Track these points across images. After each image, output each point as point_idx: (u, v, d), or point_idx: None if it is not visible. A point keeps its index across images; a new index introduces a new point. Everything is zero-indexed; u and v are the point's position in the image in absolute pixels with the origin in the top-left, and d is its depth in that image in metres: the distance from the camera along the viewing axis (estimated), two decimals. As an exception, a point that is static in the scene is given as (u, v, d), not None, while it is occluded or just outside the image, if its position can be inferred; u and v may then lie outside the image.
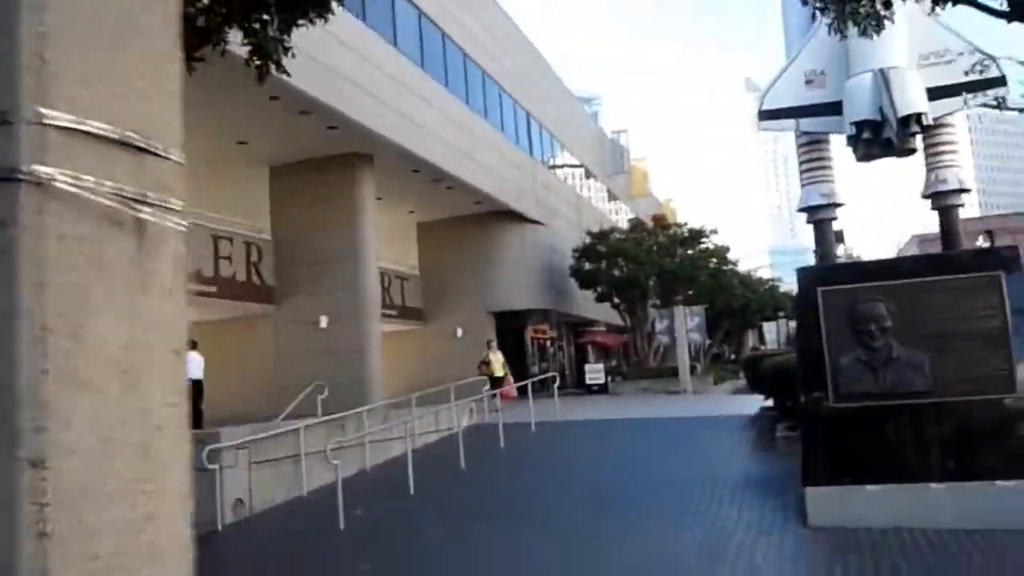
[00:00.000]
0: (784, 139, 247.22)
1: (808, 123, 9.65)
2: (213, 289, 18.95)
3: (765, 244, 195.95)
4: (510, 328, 28.53)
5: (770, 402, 13.89)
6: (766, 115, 9.89)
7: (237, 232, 20.10)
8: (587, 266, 29.57)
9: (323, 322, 20.41)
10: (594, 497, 9.08)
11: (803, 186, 10.17)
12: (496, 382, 19.00)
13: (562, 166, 34.50)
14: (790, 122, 9.79)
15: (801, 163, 10.12)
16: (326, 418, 11.56)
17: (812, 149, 10.11)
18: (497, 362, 19.92)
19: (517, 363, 27.77)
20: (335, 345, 20.32)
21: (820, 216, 9.96)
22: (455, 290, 28.27)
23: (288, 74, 8.12)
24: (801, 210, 10.16)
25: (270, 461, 10.04)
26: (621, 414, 17.96)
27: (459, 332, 27.97)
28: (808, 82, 9.60)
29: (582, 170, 37.65)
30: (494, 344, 21.27)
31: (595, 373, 28.92)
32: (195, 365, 14.88)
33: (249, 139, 19.21)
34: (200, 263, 18.68)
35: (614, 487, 9.52)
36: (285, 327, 20.88)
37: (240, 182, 21.55)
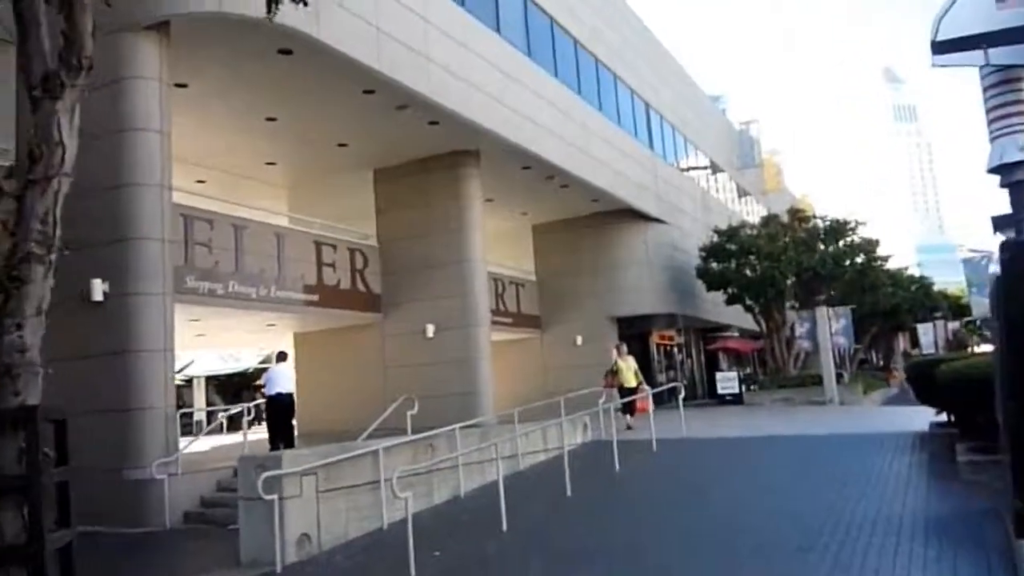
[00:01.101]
0: (927, 130, 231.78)
1: (1001, 54, 7.49)
2: (316, 298, 18.11)
3: (911, 242, 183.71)
4: (634, 335, 26.62)
5: (943, 416, 11.50)
6: (943, 47, 7.78)
7: (341, 238, 19.26)
8: (715, 266, 27.22)
9: (430, 331, 19.29)
10: (728, 543, 7.22)
11: (994, 139, 7.94)
12: (628, 393, 16.59)
13: (689, 169, 32.26)
14: (976, 54, 7.65)
15: (990, 110, 7.90)
16: (412, 437, 10.16)
17: (1006, 89, 7.86)
18: (628, 370, 17.30)
19: (643, 372, 25.81)
20: (443, 355, 19.18)
21: (1021, 176, 7.73)
22: (574, 295, 26.69)
23: (306, 3, 6.72)
24: (993, 170, 7.97)
25: (344, 489, 8.70)
26: (759, 430, 15.76)
27: (579, 340, 26.34)
28: (999, 0, 7.49)
29: (708, 164, 35.23)
30: (624, 349, 18.44)
31: (728, 382, 26.51)
32: (284, 378, 13.90)
33: (349, 141, 18.38)
34: (303, 270, 17.90)
35: (753, 529, 7.61)
36: (392, 337, 19.88)
37: (344, 187, 20.84)
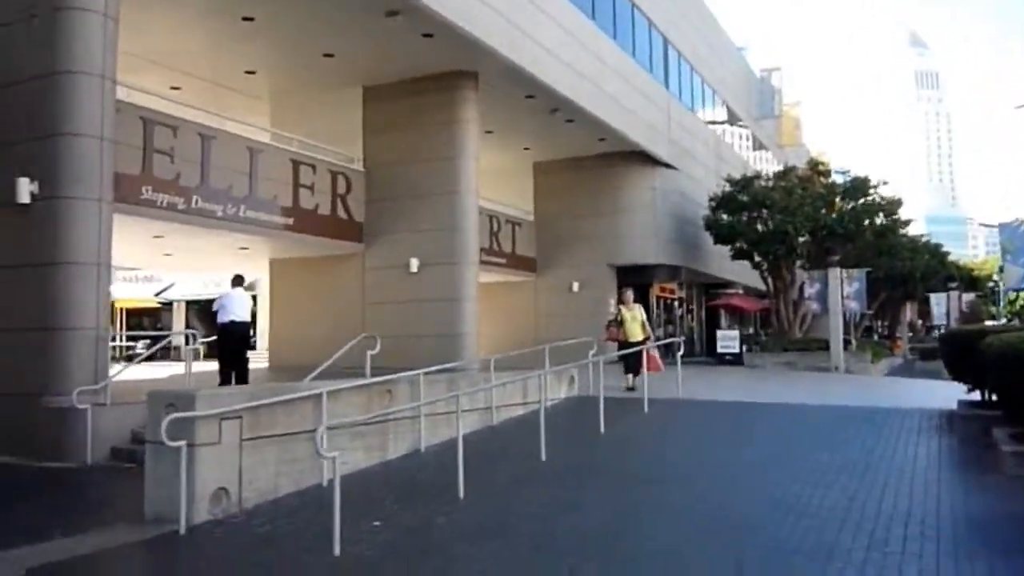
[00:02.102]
0: (948, 98, 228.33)
1: None
2: (290, 221, 16.69)
3: (921, 212, 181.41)
4: (634, 285, 24.88)
5: (976, 395, 10.14)
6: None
7: (322, 159, 17.71)
8: (725, 218, 25.62)
9: (414, 265, 17.88)
10: (726, 541, 5.87)
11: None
12: (632, 348, 13.94)
13: (711, 123, 30.37)
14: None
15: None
16: (365, 380, 8.77)
17: None
18: (635, 321, 14.37)
19: (640, 326, 24.47)
20: (426, 293, 17.81)
21: None
22: (573, 239, 25.22)
23: None
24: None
25: (276, 437, 7.36)
26: (762, 395, 14.41)
27: (575, 286, 24.97)
28: None
29: (726, 118, 33.34)
30: (630, 296, 15.40)
31: (728, 341, 25.19)
32: (239, 304, 12.50)
33: (335, 51, 16.73)
34: (277, 191, 16.43)
35: (757, 524, 6.24)
36: (373, 270, 18.48)
37: (331, 104, 19.23)
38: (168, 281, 32.39)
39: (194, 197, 14.60)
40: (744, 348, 24.95)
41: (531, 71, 17.47)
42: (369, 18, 14.85)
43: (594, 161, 24.82)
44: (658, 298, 27.39)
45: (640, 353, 13.31)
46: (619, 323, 14.59)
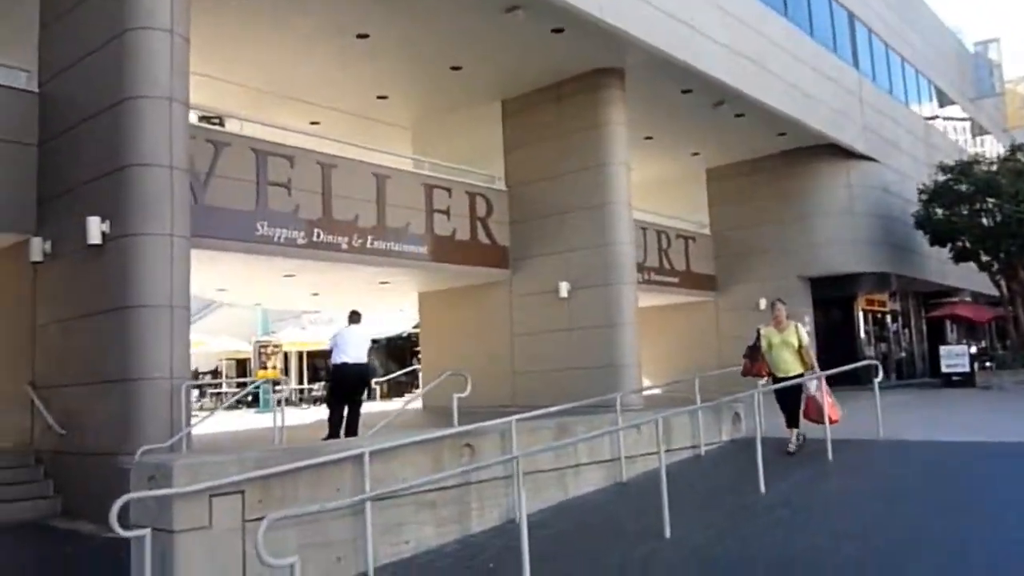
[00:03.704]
0: None
1: None
2: (423, 250, 15.39)
3: None
4: (833, 299, 22.01)
5: None
6: None
7: (457, 180, 16.34)
8: (940, 213, 21.62)
9: (563, 290, 16.03)
10: None
11: None
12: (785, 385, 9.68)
13: (933, 118, 26.29)
14: None
15: None
16: (428, 435, 6.84)
17: None
18: (785, 347, 9.67)
19: (846, 347, 21.00)
20: (578, 319, 15.92)
21: None
22: (757, 251, 22.32)
23: None
24: None
25: (303, 516, 5.62)
26: (1002, 431, 10.95)
27: (763, 303, 21.90)
28: None
29: (932, 91, 28.83)
30: (783, 310, 9.98)
31: (955, 358, 21.09)
32: (353, 344, 11.07)
33: (461, 62, 15.48)
34: (409, 218, 15.20)
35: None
36: (520, 297, 16.81)
37: (471, 123, 17.89)
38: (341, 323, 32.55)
39: (315, 230, 13.61)
40: (975, 366, 20.79)
41: (685, 59, 15.23)
42: (488, 19, 13.41)
43: (775, 161, 21.92)
44: (865, 312, 23.69)
45: (796, 394, 9.48)
46: (760, 349, 9.96)
